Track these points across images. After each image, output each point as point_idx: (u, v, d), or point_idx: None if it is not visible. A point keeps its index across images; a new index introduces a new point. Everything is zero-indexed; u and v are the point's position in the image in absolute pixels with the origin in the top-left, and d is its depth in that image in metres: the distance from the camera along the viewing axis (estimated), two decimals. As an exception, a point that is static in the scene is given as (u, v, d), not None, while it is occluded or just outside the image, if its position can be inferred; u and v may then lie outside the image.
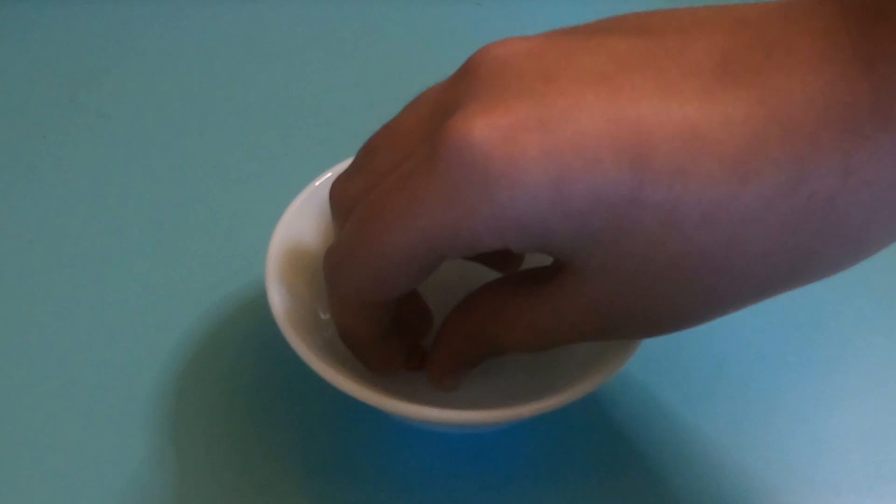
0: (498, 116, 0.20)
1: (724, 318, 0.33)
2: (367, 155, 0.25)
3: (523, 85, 0.21)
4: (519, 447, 0.30)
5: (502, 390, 0.29)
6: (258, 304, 0.33)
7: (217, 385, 0.31)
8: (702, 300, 0.22)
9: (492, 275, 0.28)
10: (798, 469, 0.29)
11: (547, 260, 0.25)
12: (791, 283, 0.22)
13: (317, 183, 0.31)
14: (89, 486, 0.28)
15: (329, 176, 0.31)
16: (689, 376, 0.32)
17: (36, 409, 0.30)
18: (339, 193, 0.26)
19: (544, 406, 0.25)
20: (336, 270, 0.24)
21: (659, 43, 0.21)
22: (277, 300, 0.27)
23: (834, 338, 0.33)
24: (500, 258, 0.29)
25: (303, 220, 0.30)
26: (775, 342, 0.33)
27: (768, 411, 0.31)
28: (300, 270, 0.29)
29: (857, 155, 0.19)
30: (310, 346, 0.26)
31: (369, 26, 0.50)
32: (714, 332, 0.33)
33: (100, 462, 0.29)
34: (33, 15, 0.50)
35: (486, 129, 0.20)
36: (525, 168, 0.20)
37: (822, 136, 0.19)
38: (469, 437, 0.30)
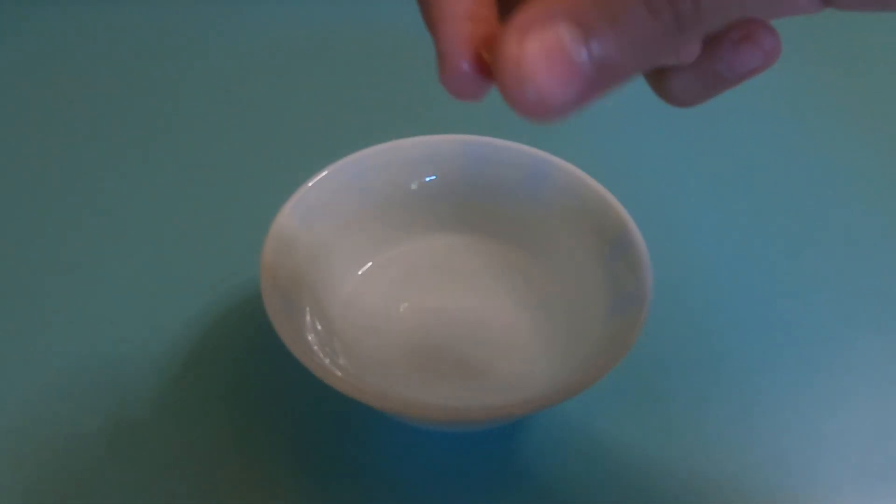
0: None
1: (722, 317, 0.34)
2: None
3: None
4: (518, 447, 0.29)
5: (498, 389, 0.29)
6: (253, 304, 0.33)
7: (212, 387, 0.31)
8: None
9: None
10: (798, 469, 0.29)
11: None
12: None
13: (310, 183, 0.31)
14: (85, 484, 0.28)
15: (324, 175, 0.31)
16: (688, 375, 0.32)
17: (35, 408, 0.30)
18: None
19: (539, 403, 0.24)
20: None
21: None
22: (272, 301, 0.27)
23: (834, 338, 0.33)
24: None
25: (297, 219, 0.30)
26: (775, 342, 0.33)
27: (768, 411, 0.31)
28: (295, 270, 0.29)
29: None
30: (305, 345, 0.26)
31: (365, 28, 0.50)
32: (714, 331, 0.33)
33: (93, 461, 0.29)
34: (33, 15, 0.50)
35: None
36: None
37: None
38: (468, 436, 0.30)
